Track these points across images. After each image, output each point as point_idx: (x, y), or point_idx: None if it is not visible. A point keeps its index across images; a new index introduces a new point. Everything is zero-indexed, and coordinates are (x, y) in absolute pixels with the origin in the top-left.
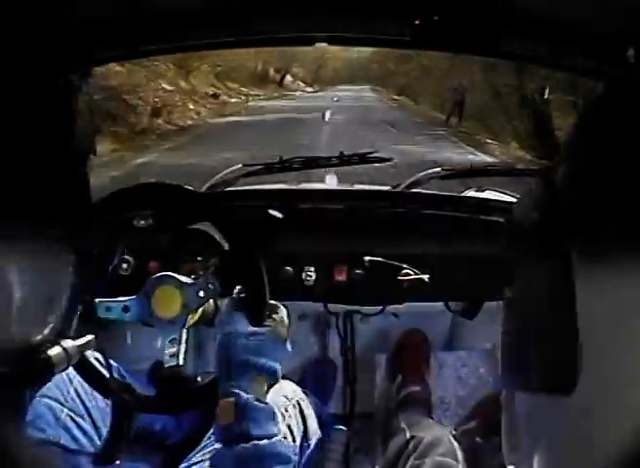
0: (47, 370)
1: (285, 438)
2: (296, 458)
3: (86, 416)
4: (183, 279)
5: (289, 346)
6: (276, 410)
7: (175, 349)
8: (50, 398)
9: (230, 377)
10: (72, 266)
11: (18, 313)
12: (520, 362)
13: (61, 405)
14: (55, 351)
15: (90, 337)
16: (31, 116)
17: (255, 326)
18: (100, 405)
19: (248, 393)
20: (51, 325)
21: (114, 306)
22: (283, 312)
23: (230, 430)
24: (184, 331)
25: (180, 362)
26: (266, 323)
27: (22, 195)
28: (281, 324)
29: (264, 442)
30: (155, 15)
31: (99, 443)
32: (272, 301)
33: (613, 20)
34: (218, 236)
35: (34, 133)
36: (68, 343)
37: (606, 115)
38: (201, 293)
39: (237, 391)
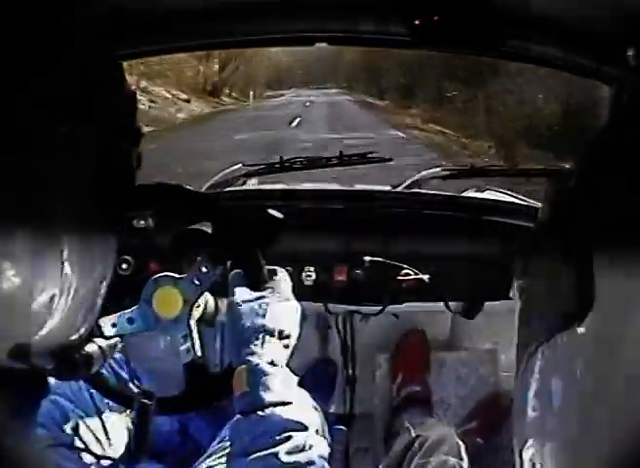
0: (87, 365)
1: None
2: (317, 424)
3: (97, 418)
4: (176, 275)
5: (298, 306)
6: (291, 374)
7: (188, 344)
8: (58, 394)
9: (241, 346)
10: (106, 266)
11: (54, 311)
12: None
13: (72, 403)
14: (92, 348)
15: (118, 339)
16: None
17: (256, 291)
18: (113, 406)
19: (261, 358)
20: (87, 324)
21: (119, 321)
22: (283, 273)
23: (245, 399)
24: (192, 324)
25: (198, 353)
26: (268, 285)
27: (68, 198)
28: (284, 284)
29: (280, 409)
30: (156, 15)
31: (107, 448)
32: (270, 266)
33: (613, 20)
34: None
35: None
36: (102, 342)
37: (620, 116)
38: (197, 282)
39: (249, 358)
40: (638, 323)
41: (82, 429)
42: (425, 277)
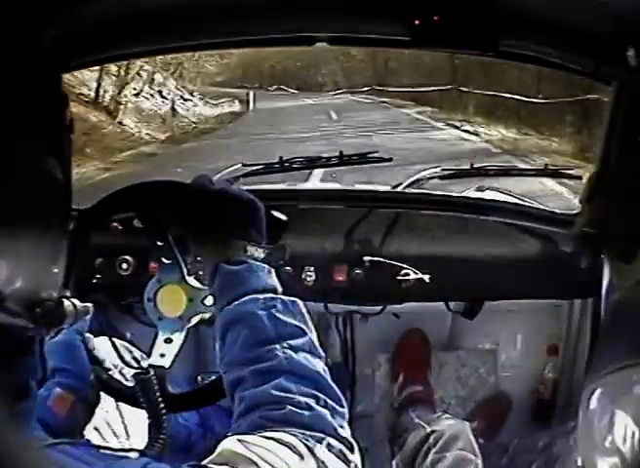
0: (59, 317)
1: None
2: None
3: (118, 417)
4: (158, 274)
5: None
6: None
7: (213, 308)
8: None
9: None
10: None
11: (26, 272)
12: None
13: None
14: (65, 303)
15: (89, 304)
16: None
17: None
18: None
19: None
20: (56, 283)
21: (163, 349)
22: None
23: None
24: (203, 289)
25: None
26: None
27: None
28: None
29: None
30: (153, 14)
31: (126, 445)
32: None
33: (613, 21)
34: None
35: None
36: (74, 300)
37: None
38: (166, 260)
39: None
40: None
41: (101, 424)
42: (425, 277)
